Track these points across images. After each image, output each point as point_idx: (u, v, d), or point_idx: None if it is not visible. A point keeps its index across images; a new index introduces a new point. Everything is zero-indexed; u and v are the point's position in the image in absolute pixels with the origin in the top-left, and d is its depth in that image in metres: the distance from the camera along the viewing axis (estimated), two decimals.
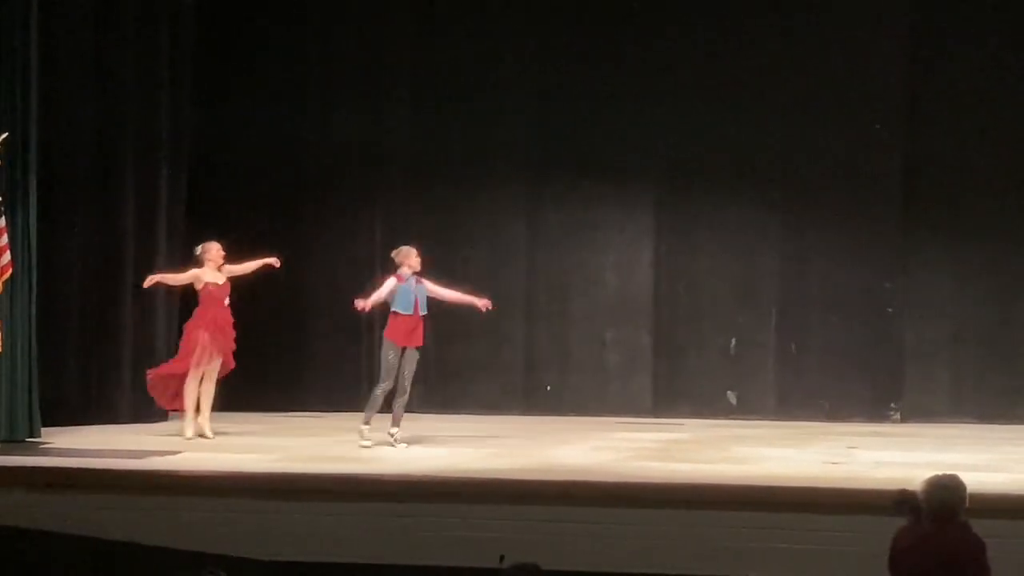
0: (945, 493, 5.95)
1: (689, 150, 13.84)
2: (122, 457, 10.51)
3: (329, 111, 14.13)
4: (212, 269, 11.86)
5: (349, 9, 14.20)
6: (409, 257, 11.36)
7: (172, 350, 13.30)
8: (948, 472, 6.12)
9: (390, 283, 11.31)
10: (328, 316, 13.58)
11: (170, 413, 13.23)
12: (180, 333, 13.39)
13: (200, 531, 9.06)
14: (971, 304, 13.66)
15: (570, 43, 13.97)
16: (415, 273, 11.34)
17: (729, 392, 13.93)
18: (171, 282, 12.14)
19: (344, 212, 14.24)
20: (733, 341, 13.94)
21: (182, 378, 11.77)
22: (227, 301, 11.85)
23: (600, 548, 8.81)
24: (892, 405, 13.67)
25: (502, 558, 6.24)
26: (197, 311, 11.89)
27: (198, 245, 11.98)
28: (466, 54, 14.08)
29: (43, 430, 11.70)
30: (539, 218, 14.15)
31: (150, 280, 11.94)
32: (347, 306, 13.29)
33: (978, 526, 5.99)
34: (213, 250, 11.87)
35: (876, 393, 13.71)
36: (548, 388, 13.59)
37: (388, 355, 11.26)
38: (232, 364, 11.94)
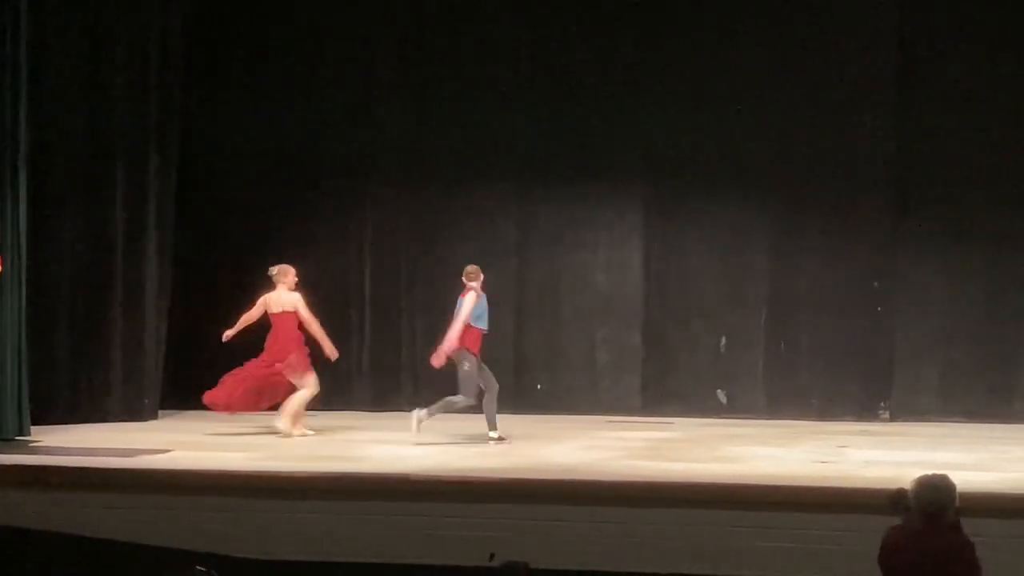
0: (934, 493, 5.95)
1: (679, 150, 13.85)
2: (112, 455, 10.50)
3: (320, 110, 14.11)
4: (285, 291, 11.90)
5: (340, 9, 14.19)
6: (479, 274, 11.61)
7: (162, 351, 13.31)
8: (938, 471, 6.12)
9: (479, 299, 11.53)
10: (317, 314, 13.53)
11: (159, 413, 13.27)
12: (169, 331, 13.44)
13: (190, 529, 9.05)
14: (961, 303, 13.68)
15: (560, 44, 13.98)
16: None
17: (719, 391, 13.94)
18: (247, 323, 12.09)
19: (335, 212, 14.24)
20: (723, 340, 13.96)
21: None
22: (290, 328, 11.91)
23: (590, 547, 8.82)
24: (882, 404, 13.69)
25: (492, 556, 6.25)
26: (288, 331, 11.89)
27: (273, 266, 12.01)
28: (456, 54, 14.09)
29: (33, 428, 11.69)
30: (529, 218, 14.16)
31: (228, 335, 12.03)
32: (337, 306, 13.33)
33: (968, 525, 6.00)
34: (291, 274, 11.94)
35: (866, 392, 13.73)
36: (539, 387, 13.59)
37: (468, 367, 11.44)
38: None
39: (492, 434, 11.56)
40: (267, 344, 11.91)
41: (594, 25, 13.92)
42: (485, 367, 11.61)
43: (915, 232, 13.71)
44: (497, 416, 11.59)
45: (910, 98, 13.65)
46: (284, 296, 11.92)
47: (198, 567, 6.23)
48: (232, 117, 14.00)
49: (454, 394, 11.45)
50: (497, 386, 11.63)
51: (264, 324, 12.04)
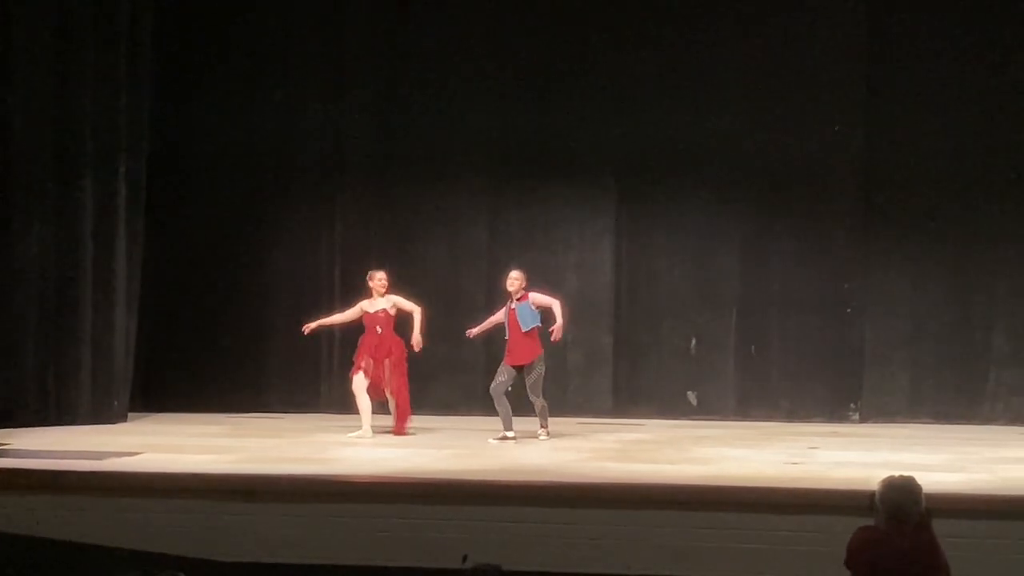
0: (898, 494, 5.97)
1: (649, 151, 13.88)
2: (81, 458, 10.45)
3: (289, 111, 14.10)
4: (376, 296, 12.12)
5: (311, 9, 14.17)
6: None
7: (131, 352, 13.26)
8: (905, 473, 6.15)
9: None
10: (290, 316, 13.52)
11: (129, 415, 13.22)
12: (139, 333, 13.39)
13: (160, 532, 9.01)
14: (929, 304, 13.75)
15: (529, 44, 13.99)
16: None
17: (689, 392, 13.98)
18: (337, 322, 12.45)
19: (305, 211, 14.23)
20: (693, 341, 13.99)
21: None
22: (379, 329, 12.03)
23: (561, 548, 8.82)
24: (851, 405, 13.75)
25: (465, 558, 6.26)
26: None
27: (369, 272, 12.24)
28: (426, 55, 14.09)
29: (0, 431, 11.62)
30: (500, 218, 14.17)
31: (308, 328, 12.26)
32: (307, 306, 13.30)
33: (937, 526, 6.03)
34: (376, 278, 12.15)
35: (835, 393, 13.78)
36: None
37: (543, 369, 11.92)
38: (395, 394, 12.12)
39: (509, 433, 11.76)
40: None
41: (565, 25, 13.93)
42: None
43: (884, 234, 13.76)
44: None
45: (878, 100, 13.71)
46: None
47: (169, 570, 6.20)
48: (201, 117, 13.98)
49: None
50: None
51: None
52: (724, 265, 14.00)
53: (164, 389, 13.86)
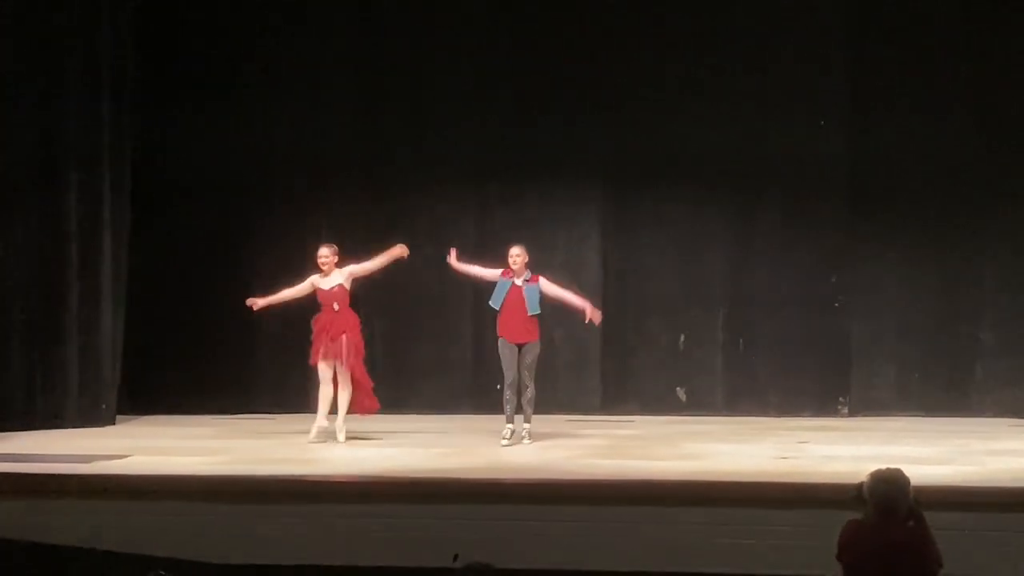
0: (887, 487, 5.98)
1: (635, 148, 13.88)
2: (69, 462, 10.42)
3: (273, 113, 14.07)
4: (324, 274, 11.66)
5: (291, 12, 14.14)
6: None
7: (118, 355, 13.24)
8: (893, 466, 6.15)
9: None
10: (276, 317, 13.48)
11: (117, 418, 13.18)
12: (126, 336, 13.34)
13: (148, 535, 8.98)
14: (917, 298, 13.77)
15: (514, 42, 13.97)
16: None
17: (678, 389, 13.98)
18: (288, 298, 11.81)
19: (290, 213, 14.17)
20: (682, 337, 13.99)
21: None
22: (336, 306, 11.58)
23: (552, 546, 8.80)
24: (840, 399, 13.76)
25: (456, 557, 6.23)
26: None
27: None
28: (410, 54, 14.08)
29: None
30: (486, 217, 14.15)
31: (256, 304, 11.80)
32: (294, 308, 13.25)
33: (927, 518, 6.02)
34: (320, 256, 11.68)
35: (824, 387, 13.79)
36: (498, 387, 13.52)
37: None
38: (349, 369, 11.58)
39: (511, 425, 11.49)
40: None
41: (550, 24, 13.91)
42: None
43: (871, 228, 13.78)
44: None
45: (864, 97, 13.72)
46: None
47: (155, 571, 6.16)
48: (185, 122, 13.94)
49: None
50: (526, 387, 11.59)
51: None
52: (711, 261, 14.00)
53: (152, 391, 13.81)
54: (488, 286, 11.70)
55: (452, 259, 11.77)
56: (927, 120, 13.56)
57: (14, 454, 10.88)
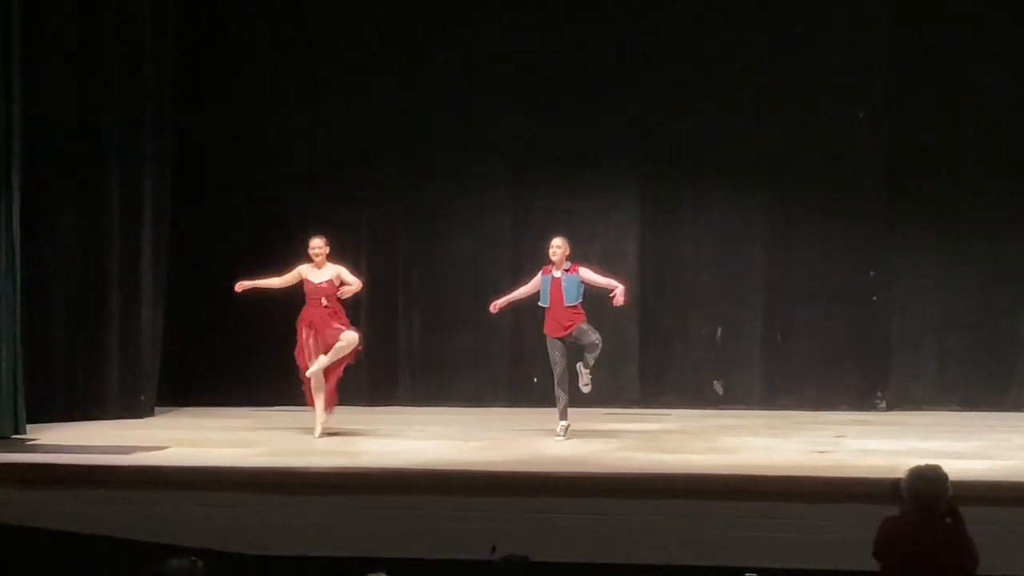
0: (926, 483, 5.96)
1: (674, 141, 13.84)
2: (109, 453, 10.50)
3: (314, 108, 14.10)
4: (315, 266, 11.36)
5: (333, 8, 14.18)
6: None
7: (158, 347, 13.33)
8: (931, 462, 6.13)
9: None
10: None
11: (156, 409, 13.27)
12: (166, 327, 13.42)
13: (187, 526, 9.05)
14: (956, 291, 13.68)
15: (555, 35, 13.95)
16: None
17: (716, 382, 13.94)
18: (275, 286, 11.50)
19: (329, 207, 14.20)
20: (719, 331, 13.96)
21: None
22: (324, 301, 11.28)
23: (589, 539, 8.82)
24: (878, 393, 13.69)
25: (493, 549, 6.25)
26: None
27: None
28: (450, 48, 14.07)
29: (29, 427, 11.70)
30: (524, 209, 14.14)
31: (242, 286, 11.49)
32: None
33: (965, 514, 6.00)
34: (311, 247, 11.37)
35: (862, 381, 13.72)
36: (535, 380, 13.55)
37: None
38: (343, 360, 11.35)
39: (564, 423, 11.41)
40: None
41: (590, 16, 13.89)
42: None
43: (910, 222, 13.71)
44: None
45: (903, 88, 13.63)
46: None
47: (182, 555, 6.14)
48: (226, 116, 14.00)
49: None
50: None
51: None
52: (749, 253, 13.95)
53: (191, 383, 13.88)
54: (537, 296, 11.58)
55: (494, 308, 11.70)
56: (966, 111, 13.47)
57: (55, 445, 10.98)
